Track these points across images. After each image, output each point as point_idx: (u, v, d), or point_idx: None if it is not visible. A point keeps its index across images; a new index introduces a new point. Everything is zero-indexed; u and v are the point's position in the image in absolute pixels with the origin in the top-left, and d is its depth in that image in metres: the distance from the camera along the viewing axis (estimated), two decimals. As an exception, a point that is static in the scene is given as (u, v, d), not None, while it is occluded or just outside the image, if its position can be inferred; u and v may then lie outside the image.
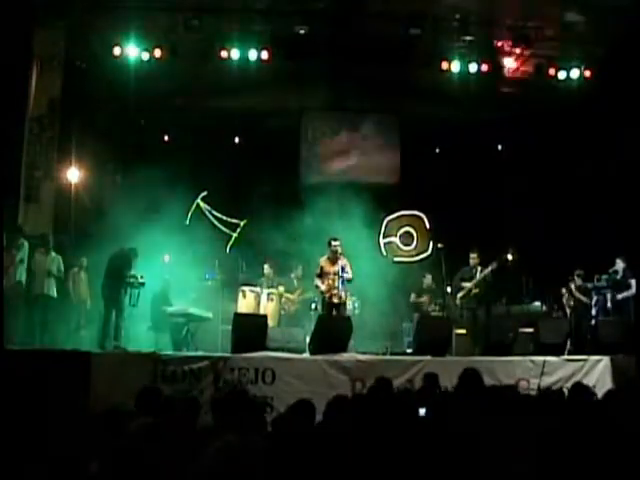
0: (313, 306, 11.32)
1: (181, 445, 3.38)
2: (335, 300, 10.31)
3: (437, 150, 15.03)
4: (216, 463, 2.34)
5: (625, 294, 10.85)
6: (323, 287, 10.36)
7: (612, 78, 12.09)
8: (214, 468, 2.33)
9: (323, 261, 10.48)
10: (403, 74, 12.59)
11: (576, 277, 12.05)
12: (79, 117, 11.96)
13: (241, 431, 3.81)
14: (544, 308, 12.16)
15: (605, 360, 9.07)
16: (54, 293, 10.33)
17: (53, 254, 10.36)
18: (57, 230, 10.87)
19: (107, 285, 10.03)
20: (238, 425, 3.84)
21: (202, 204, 14.11)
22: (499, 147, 15.01)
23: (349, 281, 10.39)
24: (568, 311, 11.92)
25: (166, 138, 14.43)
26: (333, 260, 10.36)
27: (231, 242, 14.00)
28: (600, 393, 4.31)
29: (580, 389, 4.30)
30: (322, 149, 14.70)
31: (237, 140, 14.58)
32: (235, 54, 11.77)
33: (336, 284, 10.28)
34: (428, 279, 12.57)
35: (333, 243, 10.37)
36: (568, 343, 9.95)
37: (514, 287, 13.01)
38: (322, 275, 10.41)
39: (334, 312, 10.29)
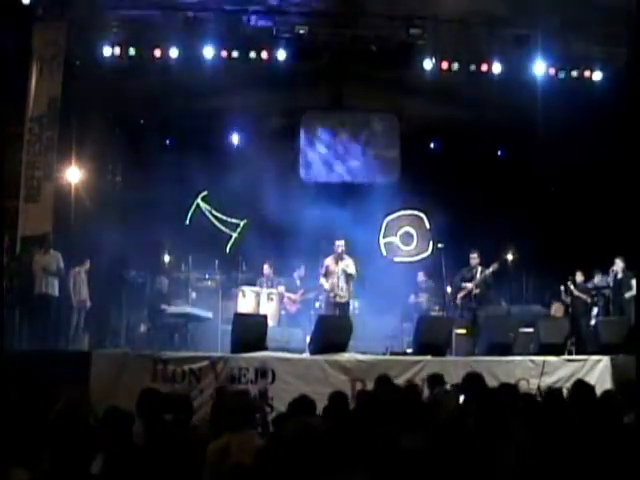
0: (317, 305, 11.36)
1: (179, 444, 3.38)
2: (339, 300, 10.45)
3: (437, 150, 15.04)
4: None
5: (628, 292, 10.86)
6: (327, 286, 10.53)
7: (613, 78, 12.09)
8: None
9: (328, 261, 10.67)
10: (403, 74, 12.59)
11: (576, 277, 12.07)
12: (79, 117, 11.97)
13: (239, 430, 3.82)
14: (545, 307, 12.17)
15: (605, 360, 9.06)
16: (55, 292, 10.28)
17: (52, 252, 10.33)
18: (57, 230, 10.86)
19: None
20: (237, 425, 3.85)
21: (202, 204, 14.12)
22: (499, 147, 15.01)
23: (350, 276, 10.49)
24: (569, 310, 11.93)
25: (166, 138, 14.43)
26: (337, 260, 10.54)
27: (231, 242, 14.01)
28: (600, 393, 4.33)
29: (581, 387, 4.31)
30: (322, 149, 14.70)
31: (237, 140, 14.58)
32: (235, 54, 11.77)
33: (340, 284, 10.42)
34: (420, 277, 12.60)
35: (337, 243, 10.61)
36: (568, 343, 9.95)
37: (514, 287, 13.02)
38: (327, 275, 10.58)
39: (338, 311, 10.39)
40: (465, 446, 3.23)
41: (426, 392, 6.44)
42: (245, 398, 4.22)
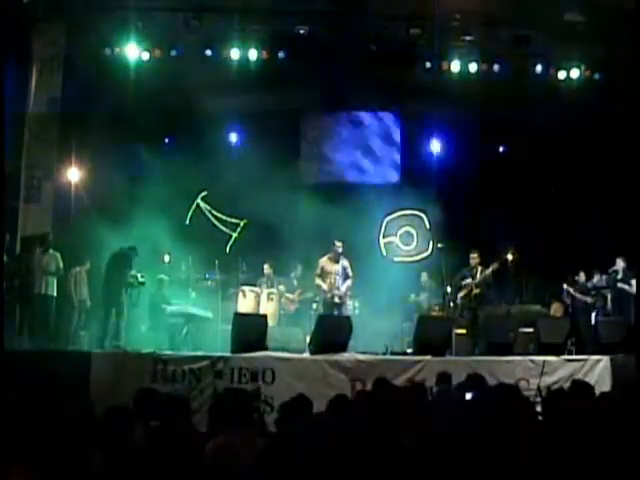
0: (314, 306, 11.34)
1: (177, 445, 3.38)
2: (336, 300, 10.47)
3: (437, 150, 15.02)
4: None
5: (626, 287, 10.87)
6: (325, 287, 10.52)
7: (612, 78, 12.09)
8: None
9: (323, 261, 10.66)
10: (403, 74, 12.59)
11: (576, 277, 12.07)
12: (79, 117, 11.96)
13: (237, 430, 3.82)
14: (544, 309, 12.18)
15: (605, 360, 9.05)
16: (54, 292, 10.27)
17: (51, 251, 10.32)
18: (57, 230, 10.85)
19: (107, 285, 10.03)
20: (234, 425, 3.84)
21: (202, 204, 14.11)
22: (499, 147, 15.00)
23: (348, 277, 10.57)
24: (568, 310, 11.92)
25: (166, 138, 14.42)
26: (334, 260, 10.56)
27: (231, 242, 14.00)
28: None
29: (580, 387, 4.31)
30: (322, 149, 14.71)
31: (237, 140, 14.57)
32: (235, 54, 11.78)
33: (337, 284, 10.45)
34: (424, 277, 12.60)
35: (336, 244, 10.59)
36: (568, 343, 9.94)
37: (514, 287, 13.01)
38: (322, 275, 10.58)
39: (335, 312, 10.39)
40: (466, 446, 3.23)
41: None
42: (244, 398, 4.22)
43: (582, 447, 3.14)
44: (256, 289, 11.17)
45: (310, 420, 3.55)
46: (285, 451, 2.86)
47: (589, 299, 11.90)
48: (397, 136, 14.69)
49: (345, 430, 3.25)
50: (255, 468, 2.83)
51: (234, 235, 14.04)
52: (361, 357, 8.91)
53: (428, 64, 12.16)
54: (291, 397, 4.16)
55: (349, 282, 10.71)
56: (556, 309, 11.89)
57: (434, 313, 11.86)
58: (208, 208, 14.12)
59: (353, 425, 3.55)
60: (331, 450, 2.96)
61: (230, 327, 9.30)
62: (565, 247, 12.72)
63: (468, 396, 4.42)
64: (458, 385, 5.21)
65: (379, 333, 11.50)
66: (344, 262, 10.68)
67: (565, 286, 12.02)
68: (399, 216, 14.80)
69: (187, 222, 13.98)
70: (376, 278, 12.20)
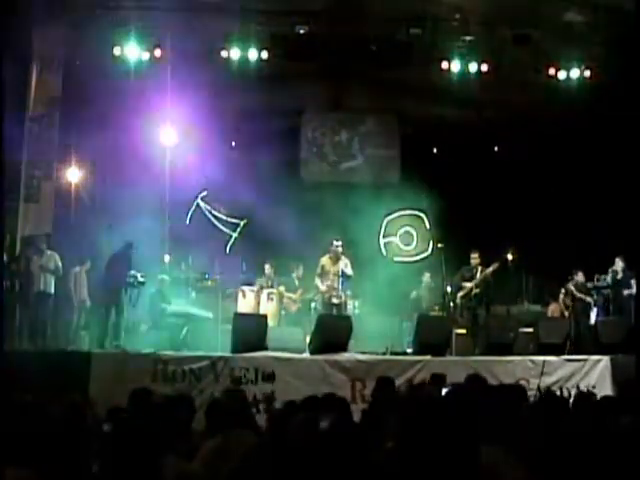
0: (313, 306, 11.33)
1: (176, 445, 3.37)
2: (335, 300, 10.46)
3: (437, 150, 15.02)
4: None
5: (628, 291, 10.87)
6: (323, 287, 10.54)
7: (612, 78, 12.09)
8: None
9: (324, 260, 10.67)
10: (403, 74, 12.58)
11: (576, 277, 12.06)
12: (79, 117, 11.96)
13: (234, 430, 3.82)
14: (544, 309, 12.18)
15: (605, 360, 9.07)
16: (51, 290, 10.29)
17: (48, 252, 10.33)
18: (57, 230, 10.85)
19: (107, 285, 10.04)
20: (232, 424, 3.84)
21: (202, 204, 14.10)
22: (499, 147, 14.99)
23: (349, 277, 10.54)
24: (566, 312, 11.91)
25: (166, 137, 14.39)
26: (334, 260, 10.56)
27: (231, 242, 14.00)
28: (600, 393, 4.32)
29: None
30: (322, 149, 14.70)
31: (237, 140, 14.56)
32: (235, 54, 11.78)
33: (336, 284, 10.45)
34: (427, 277, 12.60)
35: (335, 243, 10.58)
36: (568, 343, 9.94)
37: (514, 287, 13.01)
38: (322, 275, 10.57)
39: (334, 312, 10.39)
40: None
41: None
42: (240, 397, 4.22)
43: (584, 447, 3.14)
44: (256, 289, 11.17)
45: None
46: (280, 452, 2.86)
47: (589, 299, 11.89)
48: (397, 136, 14.69)
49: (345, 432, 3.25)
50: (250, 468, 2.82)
51: (234, 235, 14.03)
52: (361, 357, 8.92)
53: (428, 64, 12.15)
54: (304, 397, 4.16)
55: (348, 270, 10.63)
56: (553, 310, 11.90)
57: (434, 313, 11.87)
58: (208, 208, 14.11)
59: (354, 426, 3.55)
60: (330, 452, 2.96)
61: (230, 327, 9.31)
62: (565, 247, 12.72)
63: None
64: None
65: (379, 333, 11.50)
66: (344, 261, 10.67)
67: (565, 286, 12.01)
68: (399, 216, 14.80)
69: (187, 222, 13.98)
70: (376, 278, 12.19)
